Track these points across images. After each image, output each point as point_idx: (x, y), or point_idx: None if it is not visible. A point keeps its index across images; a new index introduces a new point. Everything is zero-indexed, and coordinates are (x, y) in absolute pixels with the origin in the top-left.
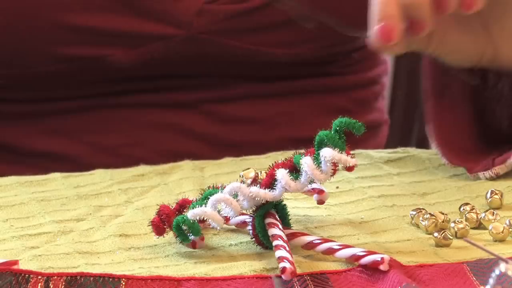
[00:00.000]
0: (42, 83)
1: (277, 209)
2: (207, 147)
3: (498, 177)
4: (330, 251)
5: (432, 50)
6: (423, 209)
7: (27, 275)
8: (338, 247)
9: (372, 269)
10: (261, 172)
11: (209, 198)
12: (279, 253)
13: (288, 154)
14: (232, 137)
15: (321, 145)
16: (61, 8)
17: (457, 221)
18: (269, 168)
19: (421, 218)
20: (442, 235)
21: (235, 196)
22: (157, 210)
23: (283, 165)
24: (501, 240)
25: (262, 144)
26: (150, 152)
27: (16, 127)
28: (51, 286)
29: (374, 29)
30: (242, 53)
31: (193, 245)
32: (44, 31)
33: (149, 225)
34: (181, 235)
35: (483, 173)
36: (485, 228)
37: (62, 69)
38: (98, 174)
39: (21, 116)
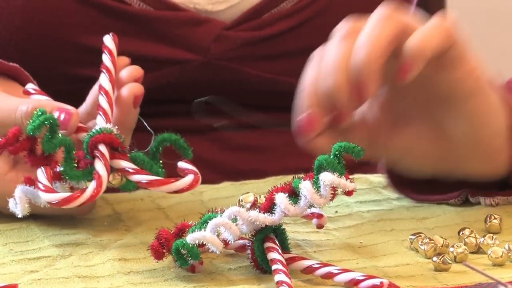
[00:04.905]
0: None
1: (276, 233)
2: (212, 174)
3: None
4: (329, 275)
5: (378, 156)
6: (422, 233)
7: None
8: (337, 271)
9: None
10: (260, 197)
11: (208, 222)
12: (278, 277)
13: (287, 178)
14: (238, 165)
15: (320, 169)
16: (79, 30)
17: (456, 246)
18: (268, 193)
19: (420, 243)
20: (441, 259)
21: (234, 220)
22: (156, 234)
23: (282, 189)
24: (500, 265)
25: (267, 173)
26: None
27: None
28: None
29: (295, 121)
30: (257, 81)
31: (192, 269)
32: (61, 51)
33: (148, 249)
34: (180, 259)
35: (484, 199)
36: (484, 253)
37: (75, 89)
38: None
39: None
